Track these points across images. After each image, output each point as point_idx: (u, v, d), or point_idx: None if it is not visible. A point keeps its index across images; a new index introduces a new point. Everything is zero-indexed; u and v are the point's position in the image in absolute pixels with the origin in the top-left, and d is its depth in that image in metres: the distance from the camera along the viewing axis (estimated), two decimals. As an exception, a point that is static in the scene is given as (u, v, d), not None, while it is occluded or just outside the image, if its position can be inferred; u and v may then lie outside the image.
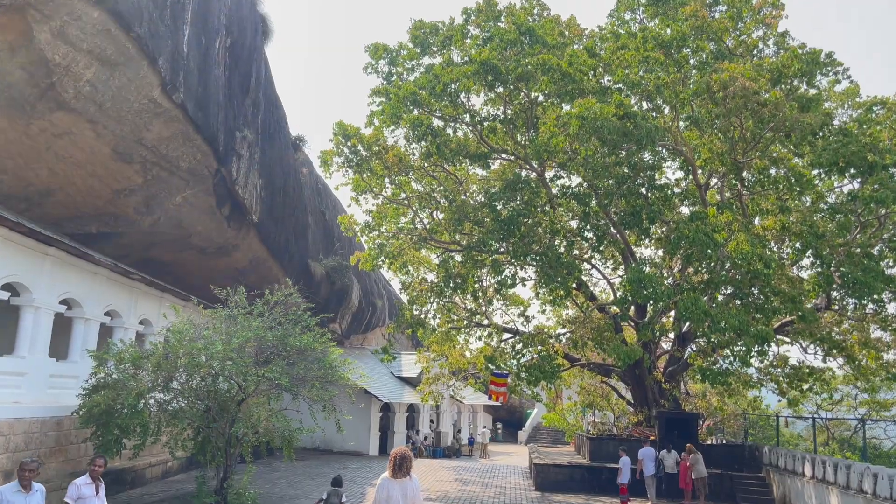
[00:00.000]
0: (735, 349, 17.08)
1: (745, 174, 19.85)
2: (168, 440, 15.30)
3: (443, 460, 34.39)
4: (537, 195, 20.85)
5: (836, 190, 23.28)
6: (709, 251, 16.58)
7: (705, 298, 17.19)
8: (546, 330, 23.96)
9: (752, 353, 17.18)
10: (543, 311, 29.89)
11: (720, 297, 19.09)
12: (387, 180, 25.50)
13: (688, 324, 24.05)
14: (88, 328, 17.72)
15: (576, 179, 22.85)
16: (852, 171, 17.38)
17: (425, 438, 38.09)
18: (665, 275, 18.93)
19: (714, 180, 23.21)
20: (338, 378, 15.92)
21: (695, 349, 22.98)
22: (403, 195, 25.82)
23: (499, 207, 20.44)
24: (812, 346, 23.49)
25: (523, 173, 23.17)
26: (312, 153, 38.73)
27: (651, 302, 17.89)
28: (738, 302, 18.17)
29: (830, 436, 39.66)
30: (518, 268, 21.71)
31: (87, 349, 15.91)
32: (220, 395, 15.67)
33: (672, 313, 23.42)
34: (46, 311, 15.65)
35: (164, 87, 17.67)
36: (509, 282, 20.46)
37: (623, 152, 17.98)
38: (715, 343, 17.76)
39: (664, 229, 21.33)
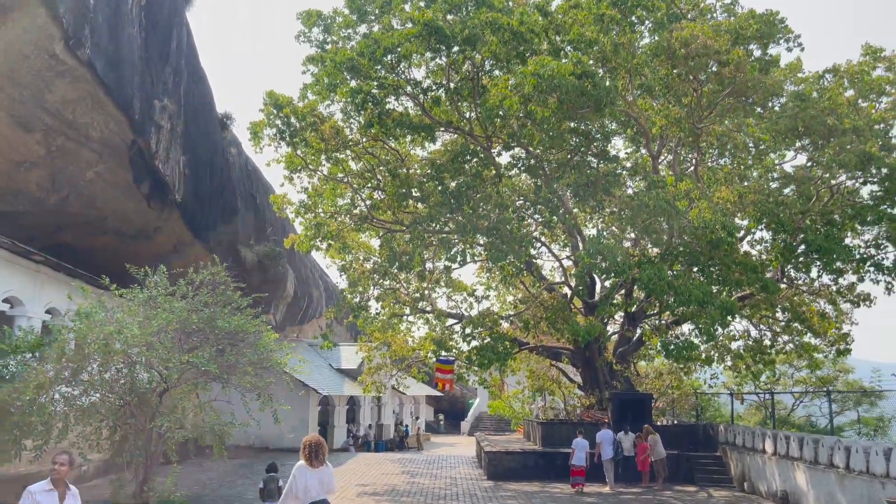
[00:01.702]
0: (700, 322, 16.28)
1: (701, 145, 19.14)
2: (77, 440, 13.34)
3: (386, 453, 32.94)
4: (486, 167, 19.61)
5: (779, 167, 22.97)
6: (671, 220, 15.71)
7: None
8: (496, 312, 22.78)
9: (717, 326, 16.48)
10: (487, 297, 28.52)
11: (678, 270, 18.28)
12: (323, 157, 23.78)
13: (636, 305, 23.38)
14: (-19, 316, 15.54)
15: (524, 154, 21.75)
16: (812, 136, 16.85)
17: (369, 427, 36.52)
18: (622, 248, 18.02)
19: (664, 156, 22.47)
20: (274, 364, 14.27)
21: (649, 327, 22.24)
22: (342, 175, 24.13)
23: (446, 180, 19.12)
24: (762, 324, 23.15)
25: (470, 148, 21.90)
26: (242, 134, 36.47)
27: (609, 275, 16.90)
28: (696, 273, 17.40)
29: (769, 414, 40.10)
30: (467, 245, 20.39)
31: (-20, 339, 13.73)
32: (138, 387, 13.82)
33: (622, 291, 22.64)
34: (-72, 297, 13.47)
35: (68, 41, 15.57)
36: (458, 259, 19.16)
37: (579, 115, 16.92)
38: (679, 316, 16.94)
39: (616, 203, 20.44)
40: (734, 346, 21.94)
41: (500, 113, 16.64)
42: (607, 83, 16.12)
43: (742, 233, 20.85)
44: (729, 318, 16.79)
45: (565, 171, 19.17)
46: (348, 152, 23.93)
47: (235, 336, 13.91)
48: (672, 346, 17.06)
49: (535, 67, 15.81)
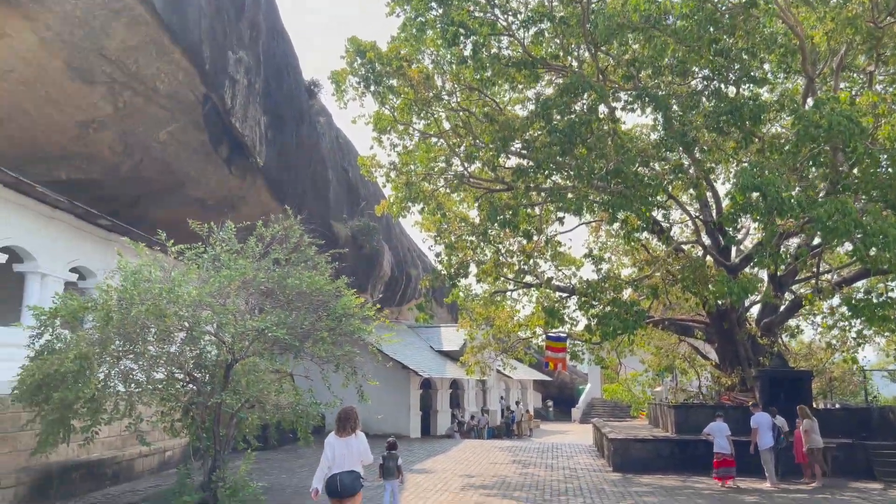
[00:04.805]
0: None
1: (880, 52, 15.15)
2: (134, 422, 11.46)
3: (493, 440, 30.42)
4: (603, 100, 16.43)
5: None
6: (854, 141, 12.10)
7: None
8: (618, 274, 19.59)
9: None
10: (599, 269, 24.73)
11: (859, 206, 14.43)
12: (414, 116, 21.21)
13: (784, 265, 19.38)
14: (45, 286, 14.08)
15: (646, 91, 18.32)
16: None
17: (471, 417, 34.09)
18: (785, 180, 14.30)
19: (821, 82, 18.39)
20: (356, 330, 11.88)
21: (811, 289, 18.32)
22: (435, 137, 21.51)
23: (554, 118, 16.13)
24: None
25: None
26: (332, 106, 34.51)
27: (769, 217, 13.33)
28: (886, 210, 13.58)
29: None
30: (582, 196, 17.20)
31: (30, 306, 12.13)
32: (206, 360, 11.84)
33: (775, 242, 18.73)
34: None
35: (119, -30, 13.79)
36: (573, 207, 16.08)
37: (725, 15, 13.53)
38: (869, 264, 13.15)
39: (765, 138, 16.74)
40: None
41: (622, 22, 13.49)
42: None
43: None
44: (939, 265, 12.97)
45: (699, 101, 15.76)
46: (440, 110, 21.32)
47: (310, 296, 11.62)
48: (862, 304, 13.33)
49: (669, -48, 12.66)
